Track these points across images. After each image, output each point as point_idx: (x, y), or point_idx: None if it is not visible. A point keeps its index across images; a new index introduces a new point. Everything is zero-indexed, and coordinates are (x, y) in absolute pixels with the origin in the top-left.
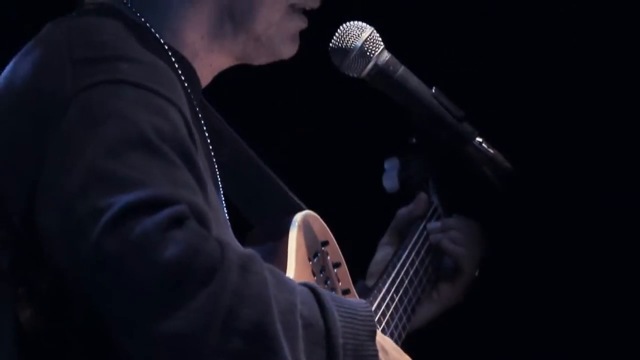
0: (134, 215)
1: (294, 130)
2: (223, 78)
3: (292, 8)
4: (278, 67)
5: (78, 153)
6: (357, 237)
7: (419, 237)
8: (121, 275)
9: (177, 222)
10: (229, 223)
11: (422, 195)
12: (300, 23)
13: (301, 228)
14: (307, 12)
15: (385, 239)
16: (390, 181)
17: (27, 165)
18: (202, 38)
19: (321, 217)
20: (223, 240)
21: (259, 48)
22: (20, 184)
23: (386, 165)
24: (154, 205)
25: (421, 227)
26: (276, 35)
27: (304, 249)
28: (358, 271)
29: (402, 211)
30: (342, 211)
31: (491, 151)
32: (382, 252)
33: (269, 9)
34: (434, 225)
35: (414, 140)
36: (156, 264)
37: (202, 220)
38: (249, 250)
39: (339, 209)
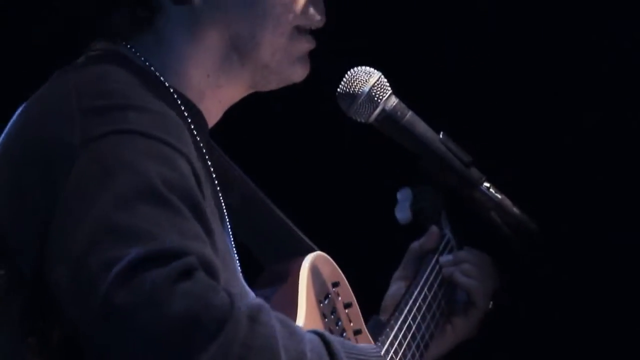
0: (144, 268)
1: (303, 165)
2: (230, 117)
3: (298, 29)
4: (286, 100)
5: (87, 205)
6: (371, 271)
7: (431, 271)
8: (131, 328)
9: (187, 274)
10: (238, 267)
11: (434, 228)
12: (308, 44)
13: (311, 270)
14: (313, 32)
15: (398, 272)
16: (402, 213)
17: (36, 216)
18: (208, 76)
19: (334, 251)
20: (231, 291)
21: (268, 75)
22: (30, 235)
23: (399, 195)
24: (163, 257)
25: (433, 260)
26: (284, 59)
27: (313, 291)
28: (373, 306)
29: (415, 245)
30: (355, 245)
31: (499, 196)
32: (395, 286)
33: (272, 34)
34: (446, 258)
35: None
36: (166, 317)
37: (210, 271)
38: (257, 300)
39: (351, 242)
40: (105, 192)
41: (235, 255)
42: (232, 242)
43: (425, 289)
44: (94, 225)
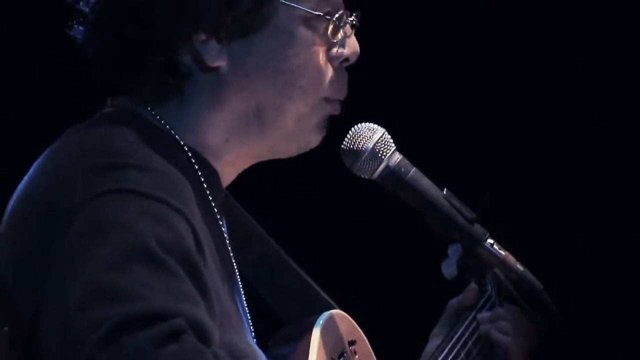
0: (129, 330)
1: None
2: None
3: (326, 100)
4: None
5: (80, 265)
6: (412, 324)
7: (466, 328)
8: None
9: (173, 337)
10: (247, 326)
11: (472, 286)
12: (332, 110)
13: (325, 327)
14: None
15: (436, 329)
16: (449, 268)
17: (35, 274)
18: (227, 140)
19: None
20: (219, 354)
21: (289, 142)
22: (30, 294)
23: (449, 250)
24: (149, 319)
25: (470, 317)
26: (306, 126)
27: (326, 348)
28: None
29: (453, 301)
30: (399, 297)
31: (502, 253)
32: (433, 344)
33: (299, 104)
34: (484, 315)
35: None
36: None
37: (200, 333)
38: None
39: (395, 295)
40: (98, 252)
41: (247, 314)
42: (244, 301)
43: (459, 345)
44: (85, 286)
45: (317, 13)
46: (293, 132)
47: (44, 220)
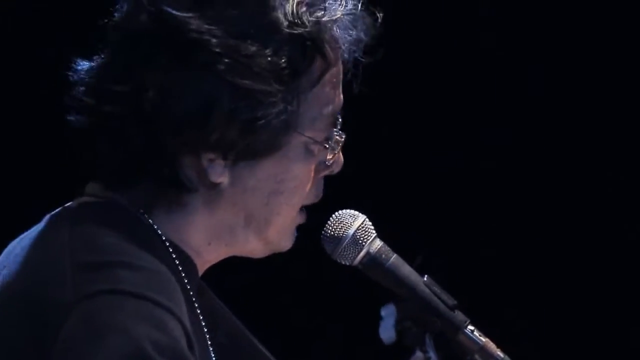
0: None
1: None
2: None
3: (303, 208)
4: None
5: None
6: None
7: None
8: None
9: None
10: None
11: (418, 355)
12: (302, 219)
13: None
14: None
15: None
16: (387, 332)
17: None
18: (209, 244)
19: None
20: None
21: (267, 248)
22: None
23: (383, 312)
24: None
25: None
26: (285, 234)
27: None
28: None
29: None
30: None
31: (483, 339)
32: None
33: (284, 218)
34: None
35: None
36: None
37: None
38: None
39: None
40: (93, 356)
41: None
42: None
43: None
44: None
45: (320, 141)
46: (273, 241)
47: (33, 317)
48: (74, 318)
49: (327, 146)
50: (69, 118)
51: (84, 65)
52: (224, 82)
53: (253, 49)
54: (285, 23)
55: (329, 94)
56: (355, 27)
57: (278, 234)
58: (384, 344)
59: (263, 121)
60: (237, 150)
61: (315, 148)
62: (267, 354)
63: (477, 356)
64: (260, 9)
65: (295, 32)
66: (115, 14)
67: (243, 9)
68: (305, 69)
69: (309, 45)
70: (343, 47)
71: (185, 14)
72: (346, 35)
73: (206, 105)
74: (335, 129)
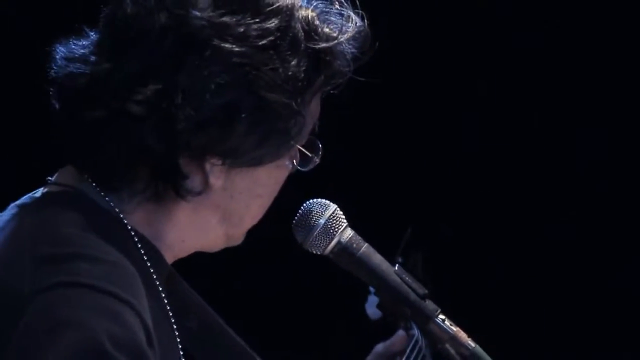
0: None
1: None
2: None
3: None
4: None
5: None
6: None
7: None
8: None
9: None
10: None
11: (400, 333)
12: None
13: None
14: None
15: None
16: (373, 308)
17: None
18: (184, 241)
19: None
20: None
21: (224, 244)
22: None
23: (371, 288)
24: None
25: None
26: (244, 234)
27: None
28: None
29: (379, 346)
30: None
31: (454, 329)
32: None
33: (255, 219)
34: None
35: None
36: None
37: None
38: None
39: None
40: (50, 350)
41: None
42: None
43: None
44: None
45: (307, 151)
46: (236, 238)
47: None
48: (31, 311)
49: (311, 155)
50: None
51: (87, 56)
52: (248, 92)
53: (277, 61)
54: (303, 36)
55: (317, 105)
56: (359, 44)
57: (242, 232)
58: (370, 319)
59: (280, 134)
60: (244, 158)
61: (298, 155)
62: (241, 342)
63: (448, 345)
64: (283, 21)
65: (313, 46)
66: (117, 11)
67: (266, 20)
68: (314, 83)
69: (323, 60)
70: (347, 64)
71: (212, 20)
72: (352, 51)
73: (229, 113)
74: (313, 136)
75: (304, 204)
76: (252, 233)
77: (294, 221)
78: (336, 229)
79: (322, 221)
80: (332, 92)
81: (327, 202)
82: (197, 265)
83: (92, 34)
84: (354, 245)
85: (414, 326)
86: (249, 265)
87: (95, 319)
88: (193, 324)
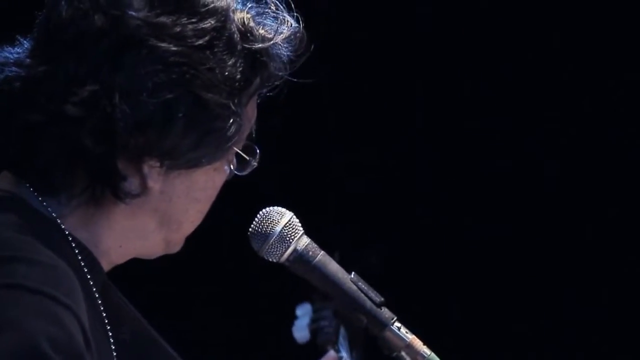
0: None
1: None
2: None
3: None
4: None
5: None
6: None
7: None
8: None
9: None
10: None
11: (332, 354)
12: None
13: None
14: None
15: None
16: (300, 332)
17: None
18: (120, 247)
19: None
20: None
21: (163, 251)
22: None
23: (298, 311)
24: None
25: None
26: (183, 239)
27: None
28: None
29: None
30: None
31: (409, 336)
32: None
33: (194, 224)
34: None
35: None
36: None
37: None
38: None
39: None
40: None
41: None
42: None
43: None
44: None
45: (244, 156)
46: (174, 244)
47: None
48: None
49: (248, 158)
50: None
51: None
52: (186, 91)
53: (214, 61)
54: (238, 37)
55: (253, 108)
56: (294, 46)
57: (181, 238)
58: (297, 342)
59: (217, 134)
60: (182, 159)
61: (235, 160)
62: (172, 352)
63: (403, 353)
64: (218, 21)
65: (249, 46)
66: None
67: (202, 20)
68: (251, 84)
69: (259, 61)
70: (283, 66)
71: (148, 20)
72: (287, 53)
73: (166, 112)
74: (250, 141)
75: (260, 212)
76: None
77: (250, 229)
78: (292, 237)
79: (278, 229)
80: (268, 94)
81: (283, 209)
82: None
83: (26, 42)
84: (310, 253)
85: (342, 349)
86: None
87: (33, 321)
88: (126, 335)
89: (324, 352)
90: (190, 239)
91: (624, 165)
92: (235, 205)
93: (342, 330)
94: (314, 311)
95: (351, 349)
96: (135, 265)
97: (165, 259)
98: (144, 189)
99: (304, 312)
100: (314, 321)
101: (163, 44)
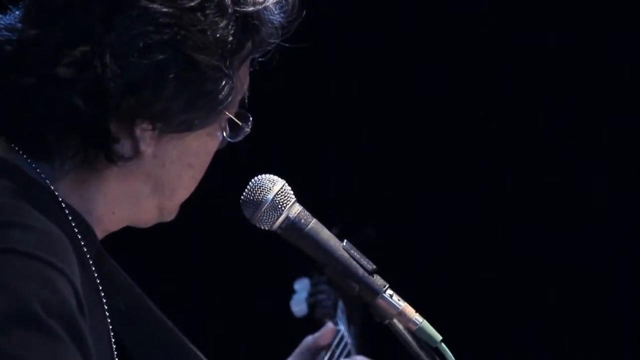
0: None
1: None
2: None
3: None
4: None
5: None
6: None
7: None
8: None
9: None
10: None
11: (329, 326)
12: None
13: None
14: None
15: None
16: (298, 306)
17: None
18: (114, 213)
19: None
20: None
21: (157, 219)
22: None
23: (296, 286)
24: None
25: (326, 358)
26: (177, 207)
27: None
28: None
29: (308, 339)
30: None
31: (401, 304)
32: None
33: (187, 190)
34: None
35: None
36: None
37: None
38: None
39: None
40: None
41: None
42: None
43: None
44: None
45: (237, 121)
46: (169, 211)
47: None
48: None
49: (241, 124)
50: None
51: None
52: (177, 53)
53: (205, 23)
54: (230, 0)
55: (246, 74)
56: (285, 11)
57: (175, 205)
58: (295, 316)
59: (209, 96)
60: (174, 122)
61: (228, 127)
62: (169, 323)
63: (395, 320)
64: None
65: (240, 9)
66: None
67: None
68: (242, 48)
69: (250, 24)
70: (275, 31)
71: None
72: (279, 19)
73: (157, 73)
74: (243, 108)
75: (252, 180)
76: None
77: (242, 197)
78: (284, 205)
79: (270, 196)
80: (260, 59)
81: (275, 177)
82: None
83: (17, 10)
84: (302, 220)
85: (340, 323)
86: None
87: (26, 285)
88: (121, 304)
89: (321, 325)
90: (184, 207)
91: None
92: (227, 175)
93: (340, 304)
94: (312, 285)
95: (349, 323)
96: (128, 232)
97: (158, 226)
98: (137, 152)
99: (302, 287)
100: (312, 295)
101: (154, 5)
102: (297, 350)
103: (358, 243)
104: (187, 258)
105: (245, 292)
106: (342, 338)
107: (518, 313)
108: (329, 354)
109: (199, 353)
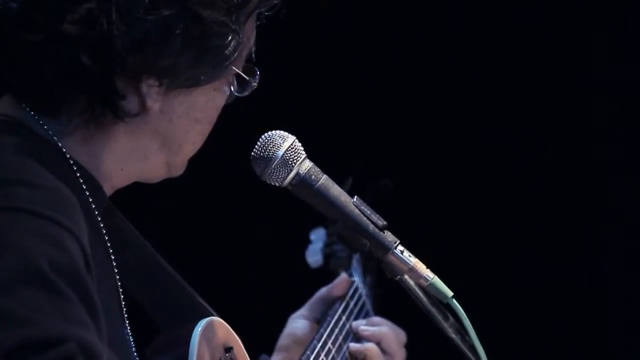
0: (21, 356)
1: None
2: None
3: None
4: None
5: None
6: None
7: (335, 324)
8: None
9: None
10: (131, 345)
11: (344, 276)
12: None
13: (203, 335)
14: None
15: (300, 312)
16: (313, 256)
17: None
18: (122, 170)
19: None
20: None
21: (165, 174)
22: None
23: (312, 236)
24: (41, 345)
25: (339, 311)
26: (185, 162)
27: (204, 357)
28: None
29: (322, 290)
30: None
31: (412, 260)
32: (293, 325)
33: (195, 146)
34: (362, 329)
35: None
36: None
37: (91, 357)
38: None
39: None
40: None
41: (129, 333)
42: (126, 317)
43: (330, 342)
44: None
45: (244, 76)
46: (176, 167)
47: None
48: None
49: (248, 78)
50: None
51: None
52: (183, 9)
53: None
54: None
55: (252, 28)
56: None
57: (183, 160)
58: (310, 267)
59: (215, 52)
60: (180, 78)
61: (235, 81)
62: (180, 279)
63: (406, 276)
64: None
65: None
66: None
67: None
68: (248, 2)
69: None
70: None
71: None
72: None
73: (163, 29)
74: (250, 63)
75: (263, 136)
76: None
77: (252, 153)
78: (295, 161)
79: (280, 152)
80: (267, 13)
81: (286, 133)
82: None
83: None
84: (313, 176)
85: (355, 274)
86: None
87: (34, 243)
88: (131, 260)
89: (336, 276)
90: (192, 164)
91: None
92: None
93: (356, 255)
94: (328, 235)
95: (364, 274)
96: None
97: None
98: (144, 108)
99: (317, 237)
100: (327, 245)
101: None
102: (311, 301)
103: (376, 194)
104: (197, 214)
105: (256, 246)
106: (356, 289)
107: (533, 257)
108: (343, 305)
109: (209, 307)
